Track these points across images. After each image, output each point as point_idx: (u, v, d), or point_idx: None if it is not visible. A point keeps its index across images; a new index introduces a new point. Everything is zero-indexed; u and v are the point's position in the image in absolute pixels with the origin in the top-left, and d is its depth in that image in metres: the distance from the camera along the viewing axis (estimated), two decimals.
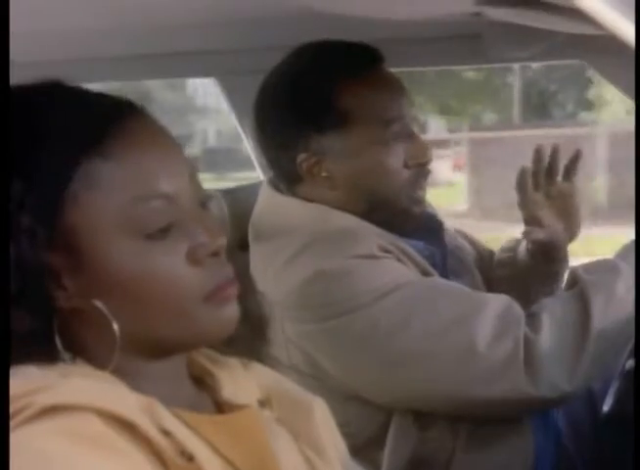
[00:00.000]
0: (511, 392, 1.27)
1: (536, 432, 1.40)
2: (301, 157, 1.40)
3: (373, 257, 1.33)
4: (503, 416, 1.36)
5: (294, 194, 1.45)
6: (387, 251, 1.36)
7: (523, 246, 1.66)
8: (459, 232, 1.72)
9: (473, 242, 1.72)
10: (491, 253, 1.73)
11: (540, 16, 1.17)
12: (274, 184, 1.49)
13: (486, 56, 1.65)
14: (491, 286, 1.65)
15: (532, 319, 1.31)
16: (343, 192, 1.40)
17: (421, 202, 1.45)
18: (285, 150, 1.41)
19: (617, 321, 1.28)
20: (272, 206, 1.47)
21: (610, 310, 1.29)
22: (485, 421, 1.36)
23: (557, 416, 1.49)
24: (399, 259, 1.37)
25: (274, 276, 1.36)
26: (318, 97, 1.37)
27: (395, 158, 1.39)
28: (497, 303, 1.33)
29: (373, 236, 1.37)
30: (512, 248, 1.70)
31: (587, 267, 1.38)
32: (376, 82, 1.39)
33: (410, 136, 1.41)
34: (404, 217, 1.43)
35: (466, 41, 1.65)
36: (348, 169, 1.39)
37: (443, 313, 1.29)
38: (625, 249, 1.38)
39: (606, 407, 1.55)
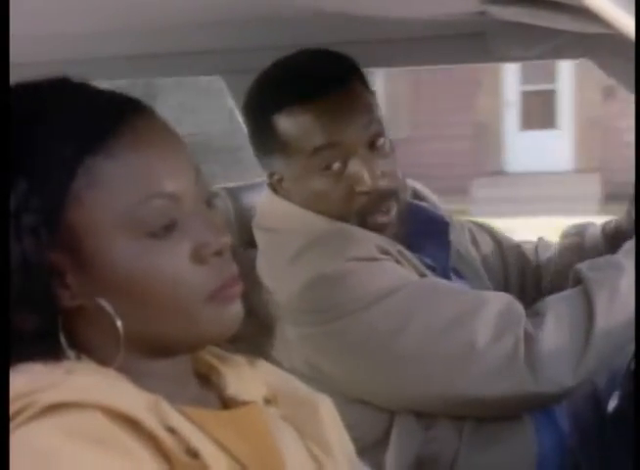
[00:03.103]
0: (513, 390, 1.28)
1: (539, 432, 1.40)
2: (269, 170, 1.46)
3: (372, 259, 1.34)
4: (506, 415, 1.36)
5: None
6: (385, 252, 1.36)
7: (594, 230, 1.64)
8: (480, 225, 1.71)
9: (493, 234, 1.71)
10: (517, 245, 1.71)
11: (546, 14, 1.17)
12: (272, 185, 1.50)
13: (492, 55, 1.64)
14: (540, 274, 1.65)
15: (535, 317, 1.31)
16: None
17: (382, 226, 1.41)
18: (260, 162, 1.48)
19: (620, 318, 1.28)
20: (271, 207, 1.49)
21: (613, 307, 1.29)
22: (489, 421, 1.36)
23: (561, 416, 1.48)
24: (398, 261, 1.37)
25: (274, 279, 1.36)
26: (264, 120, 1.41)
27: (335, 185, 1.38)
28: (497, 301, 1.33)
29: (372, 237, 1.37)
30: (578, 232, 1.67)
31: (591, 265, 1.38)
32: (319, 107, 1.37)
33: (354, 161, 1.38)
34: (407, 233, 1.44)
35: (471, 40, 1.65)
36: (299, 191, 1.42)
37: (443, 313, 1.30)
38: (629, 246, 1.38)
39: (611, 408, 1.55)
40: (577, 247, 1.65)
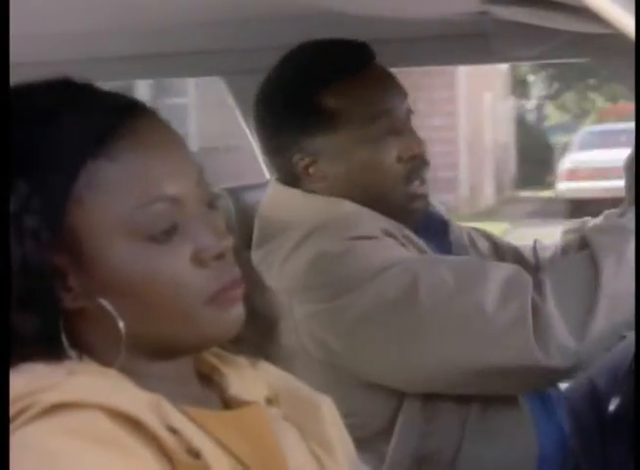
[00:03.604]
0: (520, 357, 1.27)
1: (540, 432, 1.39)
2: (296, 157, 1.43)
3: (374, 237, 1.35)
4: (514, 389, 1.36)
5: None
6: (389, 234, 1.37)
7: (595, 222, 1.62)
8: (477, 230, 1.71)
9: (491, 238, 1.71)
10: (515, 248, 1.72)
11: (547, 14, 1.17)
12: (281, 178, 1.50)
13: (494, 55, 1.64)
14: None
15: (541, 284, 1.30)
16: (339, 191, 1.42)
17: (420, 196, 1.45)
18: (281, 152, 1.46)
19: (627, 283, 1.27)
20: (278, 199, 1.49)
21: (620, 272, 1.28)
22: (491, 418, 1.36)
23: (562, 417, 1.48)
24: (403, 245, 1.38)
25: (280, 265, 1.37)
26: (304, 100, 1.41)
27: (386, 153, 1.41)
28: (503, 268, 1.34)
29: (376, 220, 1.39)
30: (578, 229, 1.66)
31: (598, 228, 1.38)
32: (360, 81, 1.42)
33: (400, 129, 1.42)
34: (403, 214, 1.44)
35: (473, 40, 1.65)
36: (341, 169, 1.42)
37: (448, 281, 1.30)
38: (632, 213, 1.36)
39: (612, 407, 1.55)
40: (580, 241, 1.64)
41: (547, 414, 1.44)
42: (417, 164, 1.44)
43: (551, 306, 1.28)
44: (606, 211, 1.59)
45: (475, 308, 1.28)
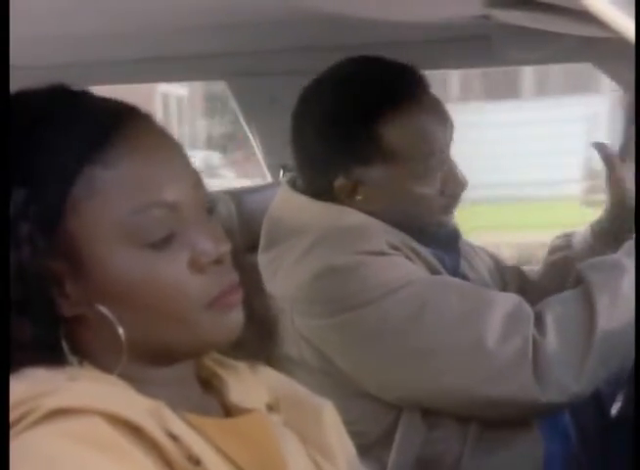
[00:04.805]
0: (518, 392, 1.28)
1: (545, 437, 1.39)
2: (339, 181, 1.40)
3: (382, 253, 1.34)
4: (511, 418, 1.36)
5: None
6: (395, 248, 1.36)
7: (582, 236, 1.64)
8: (479, 248, 1.71)
9: (492, 256, 1.71)
10: (518, 269, 1.72)
11: (549, 18, 1.17)
12: (292, 182, 1.49)
13: (495, 58, 1.65)
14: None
15: (538, 320, 1.31)
16: (374, 212, 1.41)
17: (446, 224, 1.45)
18: (322, 173, 1.41)
19: (622, 319, 1.27)
20: (286, 205, 1.48)
21: (615, 309, 1.29)
22: (494, 425, 1.36)
23: (568, 422, 1.48)
24: (408, 257, 1.37)
25: (285, 273, 1.37)
26: (361, 129, 1.37)
27: (431, 188, 1.39)
28: (507, 301, 1.33)
29: (382, 233, 1.38)
30: (566, 246, 1.67)
31: (592, 265, 1.37)
32: (419, 112, 1.38)
33: (448, 165, 1.41)
34: (426, 235, 1.44)
35: (475, 43, 1.65)
36: (384, 196, 1.40)
37: (453, 310, 1.30)
38: (629, 246, 1.37)
39: (614, 411, 1.55)
40: (566, 260, 1.64)
41: (552, 418, 1.44)
42: (456, 197, 1.43)
43: (550, 343, 1.28)
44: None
45: (476, 342, 1.28)
